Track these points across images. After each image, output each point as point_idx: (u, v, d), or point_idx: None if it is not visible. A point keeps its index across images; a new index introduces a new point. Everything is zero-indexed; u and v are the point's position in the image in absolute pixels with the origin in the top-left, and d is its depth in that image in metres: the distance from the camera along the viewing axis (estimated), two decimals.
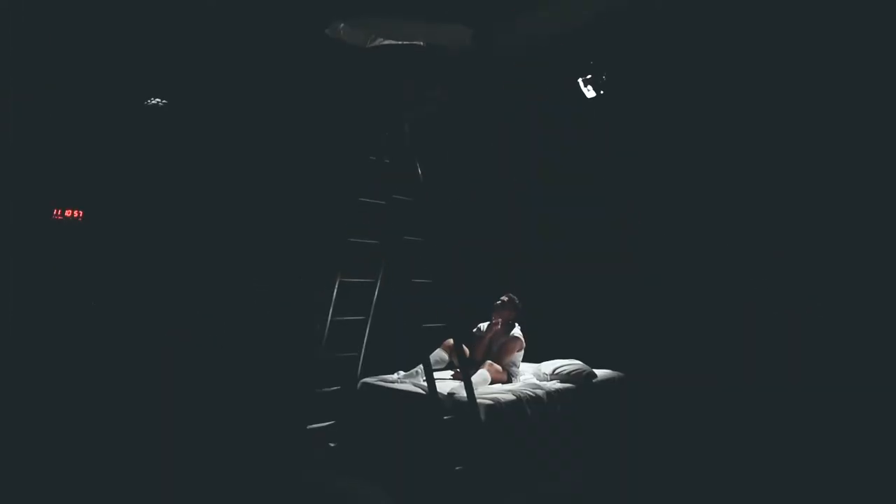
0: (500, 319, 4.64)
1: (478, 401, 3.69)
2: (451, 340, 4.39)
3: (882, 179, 4.09)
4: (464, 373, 3.80)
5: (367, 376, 4.42)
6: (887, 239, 4.06)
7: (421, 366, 3.97)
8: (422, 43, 4.01)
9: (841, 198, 4.25)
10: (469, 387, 3.70)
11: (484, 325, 4.82)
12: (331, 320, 4.35)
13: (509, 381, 4.44)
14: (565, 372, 4.45)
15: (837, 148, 4.26)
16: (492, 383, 4.27)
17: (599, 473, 4.06)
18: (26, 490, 3.38)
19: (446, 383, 4.09)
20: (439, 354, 4.48)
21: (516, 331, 4.62)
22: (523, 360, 4.65)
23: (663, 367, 4.79)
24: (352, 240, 4.36)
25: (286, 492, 3.61)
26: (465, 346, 4.32)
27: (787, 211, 4.48)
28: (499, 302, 4.68)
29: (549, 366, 4.62)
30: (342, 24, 3.92)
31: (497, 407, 3.75)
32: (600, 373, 4.63)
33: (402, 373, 4.42)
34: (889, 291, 4.01)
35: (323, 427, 4.29)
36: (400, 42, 3.98)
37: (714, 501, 3.62)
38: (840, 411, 3.99)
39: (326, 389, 4.35)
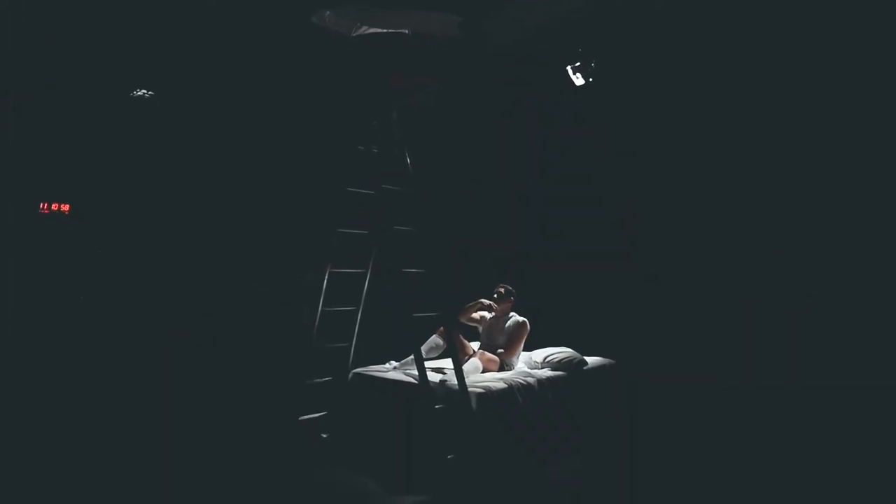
0: (498, 309, 4.64)
1: (469, 389, 3.70)
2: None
3: (881, 178, 4.09)
4: (454, 361, 3.80)
5: (358, 366, 4.41)
6: (886, 238, 4.06)
7: (413, 355, 3.97)
8: (407, 31, 3.98)
9: (841, 196, 4.25)
10: (460, 375, 3.70)
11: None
12: (321, 311, 4.34)
13: (501, 369, 4.45)
14: (556, 360, 4.46)
15: (837, 146, 4.26)
16: (483, 372, 4.29)
17: (592, 460, 4.08)
18: (20, 480, 3.37)
19: (435, 374, 4.09)
20: (435, 341, 4.46)
21: (519, 318, 4.60)
22: None
23: (662, 362, 4.82)
24: (341, 230, 4.34)
25: (279, 483, 3.62)
26: (458, 333, 4.32)
27: (786, 209, 4.49)
28: (495, 294, 4.67)
29: (539, 354, 4.63)
30: (328, 12, 3.88)
31: (488, 395, 3.75)
32: (591, 360, 4.64)
33: (394, 362, 4.42)
34: (888, 290, 4.03)
35: (315, 418, 4.30)
36: (386, 30, 3.94)
37: (706, 489, 3.64)
38: (837, 406, 4.03)
39: (318, 380, 4.35)
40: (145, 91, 4.75)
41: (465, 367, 4.06)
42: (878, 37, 4.04)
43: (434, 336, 4.47)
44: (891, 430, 3.81)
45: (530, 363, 4.60)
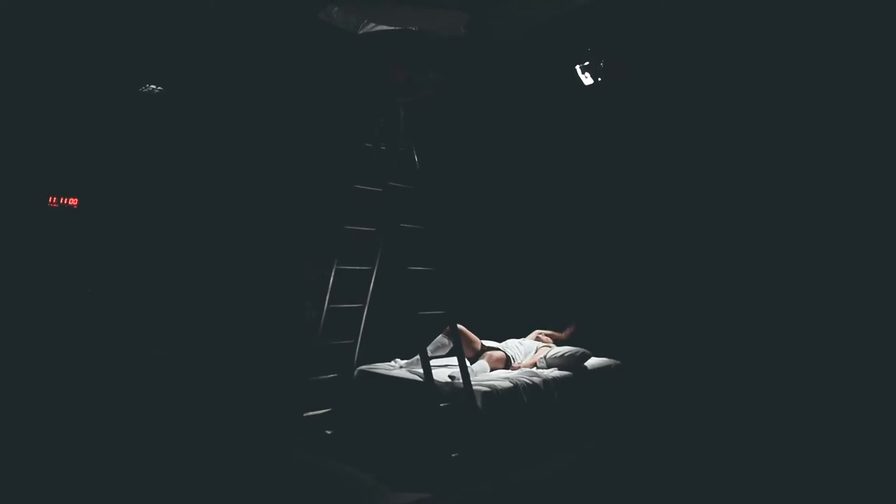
0: (559, 337, 4.94)
1: (474, 388, 3.69)
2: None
3: (885, 175, 4.05)
4: (460, 360, 3.79)
5: (363, 364, 4.41)
6: (889, 236, 4.03)
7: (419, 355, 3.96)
8: (415, 28, 3.96)
9: (842, 195, 4.20)
10: (465, 374, 3.69)
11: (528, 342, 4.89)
12: (327, 307, 4.34)
13: (507, 367, 4.44)
14: (558, 355, 4.45)
15: (840, 142, 4.22)
16: (490, 371, 4.27)
17: (595, 459, 4.07)
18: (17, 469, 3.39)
19: (443, 371, 4.08)
20: (441, 340, 4.45)
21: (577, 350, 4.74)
22: None
23: (665, 361, 4.81)
24: (348, 227, 4.34)
25: (283, 478, 3.62)
26: (463, 328, 4.32)
27: (789, 207, 4.44)
28: (568, 329, 5.00)
29: (542, 352, 4.62)
30: (336, 8, 3.87)
31: (494, 394, 3.74)
32: (597, 360, 4.64)
33: (400, 360, 4.42)
34: (890, 289, 3.99)
35: (320, 414, 4.30)
36: (393, 27, 3.93)
37: (708, 488, 3.63)
38: (839, 405, 4.00)
39: (323, 377, 4.35)
40: (154, 86, 4.77)
41: (473, 367, 4.06)
42: (881, 36, 4.01)
43: (440, 335, 4.47)
44: (892, 429, 3.78)
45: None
